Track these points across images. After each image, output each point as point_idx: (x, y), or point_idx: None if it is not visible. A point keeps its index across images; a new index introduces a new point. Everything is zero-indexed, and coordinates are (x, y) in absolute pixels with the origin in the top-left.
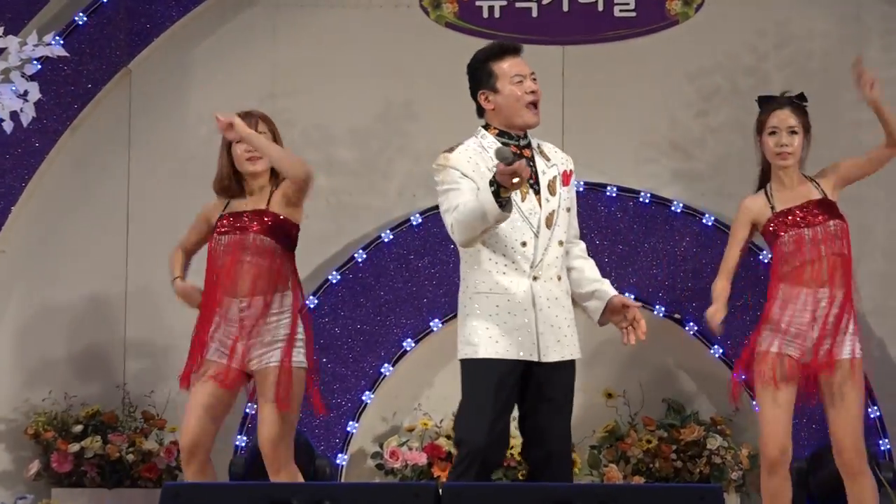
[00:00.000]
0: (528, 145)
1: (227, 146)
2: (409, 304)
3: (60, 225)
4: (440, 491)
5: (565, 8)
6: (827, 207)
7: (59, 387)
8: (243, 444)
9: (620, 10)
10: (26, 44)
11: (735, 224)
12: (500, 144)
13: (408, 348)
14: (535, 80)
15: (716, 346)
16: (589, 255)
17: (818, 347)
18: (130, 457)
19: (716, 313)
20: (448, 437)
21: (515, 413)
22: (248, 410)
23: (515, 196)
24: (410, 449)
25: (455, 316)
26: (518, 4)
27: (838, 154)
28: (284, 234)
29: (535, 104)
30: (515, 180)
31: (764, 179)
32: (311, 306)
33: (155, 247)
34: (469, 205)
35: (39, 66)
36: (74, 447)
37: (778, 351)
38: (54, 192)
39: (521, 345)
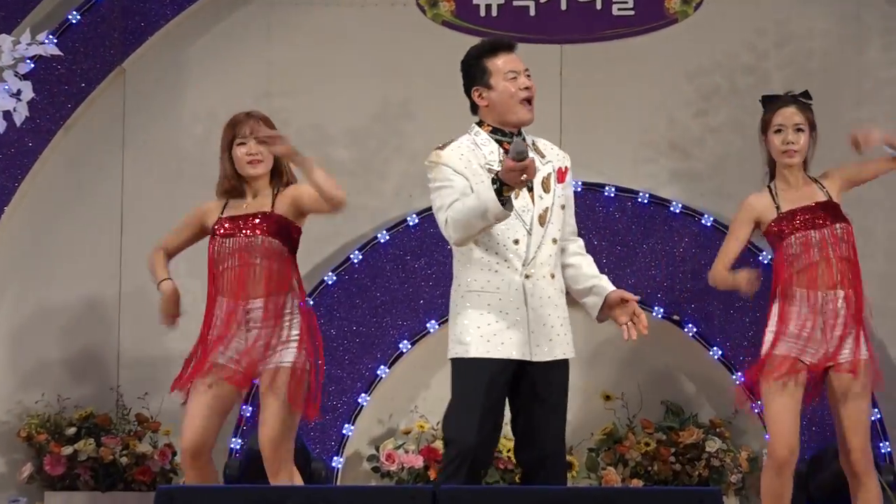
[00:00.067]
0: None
1: (228, 148)
2: (405, 305)
3: (54, 225)
4: (437, 494)
5: (563, 6)
6: (833, 209)
7: (52, 389)
8: (238, 447)
9: (619, 9)
10: (19, 42)
11: (736, 221)
12: (494, 141)
13: (404, 350)
14: (529, 76)
15: (715, 348)
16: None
17: (827, 349)
18: (124, 460)
19: (748, 277)
20: None
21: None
22: (243, 413)
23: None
24: (407, 452)
25: None
26: (516, 3)
27: (838, 153)
28: (290, 236)
29: (529, 100)
30: (523, 177)
31: (771, 178)
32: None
33: (149, 247)
34: (469, 202)
35: (33, 65)
36: (68, 450)
37: (787, 353)
38: (48, 192)
39: (512, 344)
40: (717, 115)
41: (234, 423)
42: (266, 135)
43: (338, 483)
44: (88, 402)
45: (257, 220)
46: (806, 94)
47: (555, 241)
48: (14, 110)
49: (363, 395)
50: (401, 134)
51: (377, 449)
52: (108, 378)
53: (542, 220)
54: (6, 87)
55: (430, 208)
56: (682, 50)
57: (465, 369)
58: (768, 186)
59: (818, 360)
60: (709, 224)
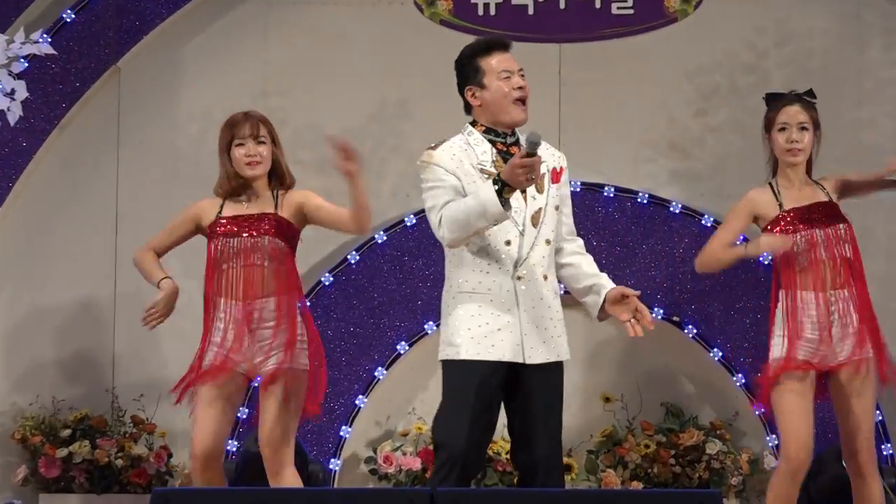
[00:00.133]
0: (517, 142)
1: (227, 149)
2: (402, 306)
3: (48, 225)
4: (434, 496)
5: (562, 5)
6: (834, 210)
7: (46, 390)
8: (234, 450)
9: (618, 8)
10: (13, 41)
11: (733, 212)
12: (487, 141)
13: (402, 351)
14: (523, 76)
15: (715, 349)
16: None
17: (833, 350)
18: (119, 462)
19: (774, 241)
20: None
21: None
22: (239, 415)
23: None
24: (404, 454)
25: None
26: (514, 1)
27: (839, 153)
28: (293, 238)
29: (522, 100)
30: (529, 176)
31: (773, 176)
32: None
33: None
34: (467, 202)
35: (27, 65)
36: (62, 452)
37: (795, 357)
38: (42, 192)
39: (504, 346)
40: (717, 115)
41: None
42: (342, 146)
43: (335, 485)
44: (83, 403)
45: (263, 222)
46: (810, 93)
47: (548, 242)
48: (8, 110)
49: (360, 396)
50: (398, 134)
51: (375, 451)
52: (103, 379)
53: (535, 220)
54: (0, 86)
55: None
56: (682, 49)
57: (455, 371)
58: (770, 183)
59: (824, 361)
60: (709, 224)
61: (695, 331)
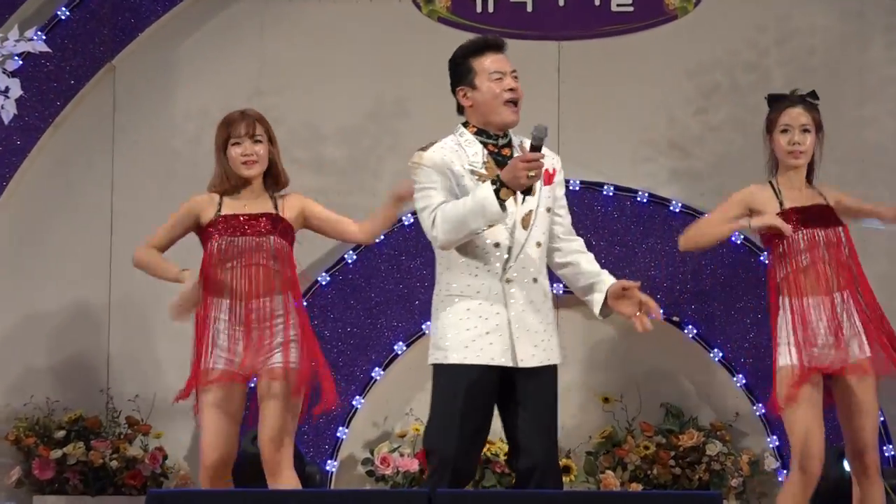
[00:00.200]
0: (509, 144)
1: (223, 147)
2: (400, 306)
3: (42, 224)
4: (432, 498)
5: (561, 2)
6: (832, 213)
7: (40, 391)
8: None
9: (617, 5)
10: (7, 39)
11: (730, 201)
12: (478, 143)
13: (399, 352)
14: (516, 78)
15: (715, 349)
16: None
17: (837, 353)
18: (114, 463)
19: (782, 223)
20: None
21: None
22: None
23: None
24: (402, 455)
25: None
26: None
27: (840, 152)
28: (291, 238)
29: (514, 102)
30: (532, 173)
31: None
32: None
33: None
34: (465, 202)
35: (21, 62)
36: (57, 453)
37: (803, 364)
38: (36, 190)
39: (493, 350)
40: (718, 113)
41: None
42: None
43: (332, 487)
44: (78, 404)
45: (265, 222)
46: (813, 94)
47: (539, 244)
48: (2, 108)
49: (357, 397)
50: (395, 132)
51: (372, 452)
52: (97, 380)
53: (526, 223)
54: None
55: None
56: (682, 47)
57: (443, 376)
58: (770, 182)
59: (830, 365)
60: None
61: (695, 331)
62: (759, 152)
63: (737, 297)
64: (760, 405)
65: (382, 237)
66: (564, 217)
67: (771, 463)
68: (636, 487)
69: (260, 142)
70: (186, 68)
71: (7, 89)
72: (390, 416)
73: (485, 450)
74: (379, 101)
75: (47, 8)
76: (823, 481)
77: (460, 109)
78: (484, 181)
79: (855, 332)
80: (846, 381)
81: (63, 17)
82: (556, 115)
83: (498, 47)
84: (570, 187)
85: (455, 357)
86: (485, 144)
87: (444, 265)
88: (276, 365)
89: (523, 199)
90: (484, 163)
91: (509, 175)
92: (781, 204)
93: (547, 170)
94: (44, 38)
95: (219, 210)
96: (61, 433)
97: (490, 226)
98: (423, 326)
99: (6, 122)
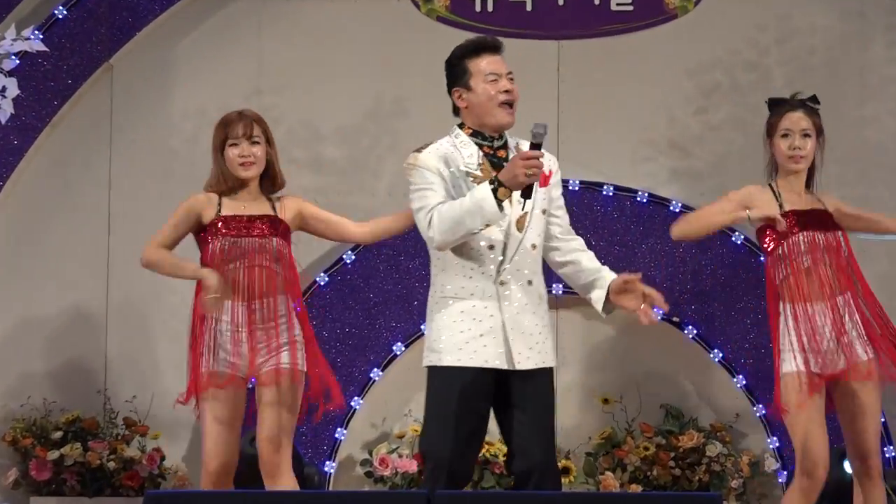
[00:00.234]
0: (504, 146)
1: (221, 148)
2: (399, 306)
3: (40, 225)
4: (431, 499)
5: (560, 1)
6: (831, 218)
7: (38, 392)
8: None
9: (617, 4)
10: (4, 38)
11: (726, 198)
12: (474, 144)
13: (398, 352)
14: (511, 79)
15: (716, 350)
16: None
17: (838, 357)
18: (112, 464)
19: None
20: None
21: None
22: None
23: None
24: (401, 456)
25: None
26: None
27: (841, 152)
28: (290, 239)
29: (509, 104)
30: (530, 172)
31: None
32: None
33: (138, 248)
34: (463, 202)
35: (18, 62)
36: (54, 454)
37: (805, 370)
38: (33, 190)
39: (487, 352)
40: (718, 113)
41: None
42: None
43: (330, 488)
44: (75, 405)
45: (267, 223)
46: (814, 99)
47: (534, 246)
48: None
49: (356, 398)
50: (394, 132)
51: (370, 453)
52: (95, 381)
53: (520, 225)
54: None
55: None
56: (682, 46)
57: (437, 378)
58: (770, 185)
59: (831, 369)
60: None
61: (695, 331)
62: (759, 152)
63: (737, 297)
64: (761, 406)
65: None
66: (562, 217)
67: (771, 464)
68: (636, 489)
69: (257, 143)
70: (184, 67)
71: (4, 89)
72: (389, 416)
73: (484, 451)
74: (378, 101)
75: (44, 7)
76: (826, 486)
77: (456, 111)
78: (479, 183)
79: (857, 336)
80: (849, 385)
81: (60, 17)
82: (556, 115)
83: (494, 48)
84: (570, 187)
85: (449, 359)
86: (480, 146)
87: (439, 267)
88: (275, 366)
89: (523, 204)
90: (479, 165)
91: (508, 174)
92: (781, 206)
93: (543, 171)
94: (41, 37)
95: (219, 210)
96: (58, 434)
97: (487, 225)
98: (422, 327)
99: (3, 121)
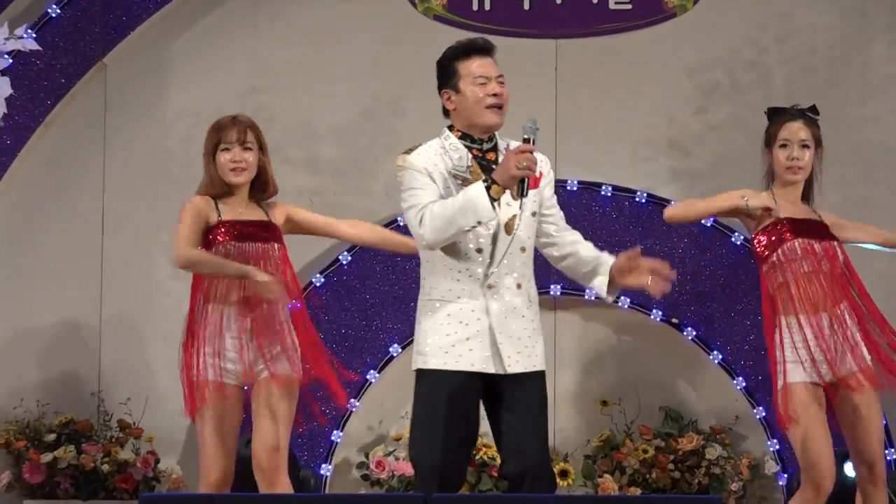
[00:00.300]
0: (494, 148)
1: (213, 152)
2: (395, 307)
3: (33, 225)
4: (428, 503)
5: (558, 0)
6: (827, 229)
7: (31, 394)
8: None
9: (616, 3)
10: None
11: (725, 195)
12: (463, 147)
13: (394, 354)
14: (501, 83)
15: (715, 352)
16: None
17: (838, 366)
18: (106, 467)
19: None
20: None
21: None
22: None
23: None
24: (397, 459)
25: None
26: None
27: (841, 153)
28: (285, 244)
29: (498, 107)
30: (523, 164)
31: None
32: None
33: (132, 249)
34: (455, 199)
35: (10, 61)
36: (47, 457)
37: (806, 381)
38: (27, 190)
39: (473, 356)
40: (718, 112)
41: None
42: None
43: (326, 491)
44: (69, 407)
45: (266, 229)
46: (813, 109)
47: (523, 249)
48: None
49: (352, 400)
50: (391, 131)
51: (367, 456)
52: (89, 383)
53: (509, 228)
54: None
55: None
56: (682, 45)
57: (424, 382)
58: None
59: (831, 378)
60: (709, 224)
61: (694, 333)
62: (759, 152)
63: (737, 298)
64: (761, 408)
65: None
66: (556, 214)
67: (771, 467)
68: (635, 492)
69: (250, 149)
70: (179, 67)
71: None
72: (385, 419)
73: (482, 454)
74: (374, 100)
75: (37, 6)
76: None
77: (446, 112)
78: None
79: (856, 344)
80: (849, 393)
81: (54, 15)
82: (554, 115)
83: (485, 51)
84: (568, 188)
85: (434, 363)
86: (469, 149)
87: (428, 269)
88: (272, 374)
89: (520, 203)
90: (468, 167)
91: (501, 170)
92: (778, 213)
93: (533, 175)
94: (34, 36)
95: (219, 215)
96: (52, 437)
97: (479, 222)
98: None
99: None
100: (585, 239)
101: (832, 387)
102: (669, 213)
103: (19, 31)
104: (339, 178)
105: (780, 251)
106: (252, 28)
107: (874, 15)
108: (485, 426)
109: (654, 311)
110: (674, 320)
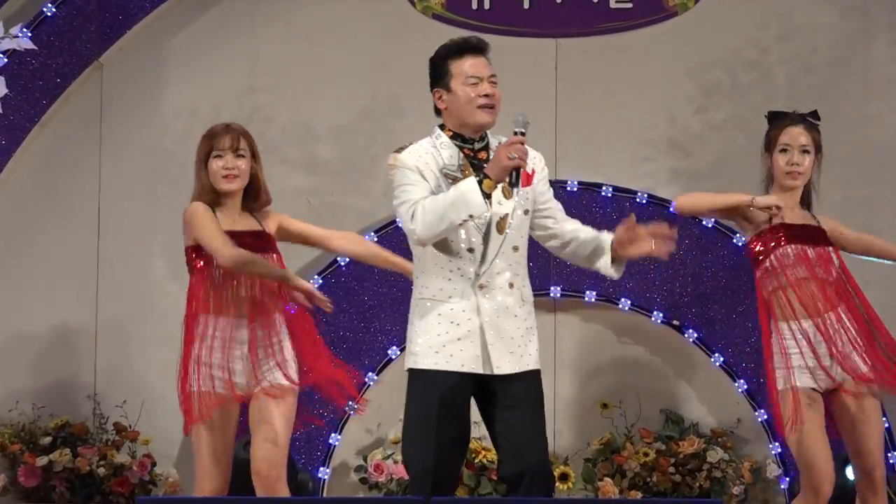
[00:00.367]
0: (486, 147)
1: (205, 160)
2: (394, 309)
3: (29, 226)
4: None
5: None
6: (824, 235)
7: (26, 397)
8: None
9: (616, 2)
10: None
11: (730, 193)
12: (454, 146)
13: (393, 356)
14: (494, 83)
15: (716, 354)
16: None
17: (835, 372)
18: (101, 470)
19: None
20: None
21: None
22: None
23: None
24: (396, 462)
25: None
26: None
27: (843, 152)
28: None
29: (489, 107)
30: (514, 155)
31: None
32: (291, 313)
33: (128, 249)
34: (447, 193)
35: (6, 60)
36: (42, 460)
37: (804, 386)
38: (22, 191)
39: (464, 356)
40: (719, 112)
41: None
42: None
43: (324, 495)
44: (64, 410)
45: (261, 239)
46: (814, 115)
47: (516, 248)
48: None
49: (350, 402)
50: (389, 131)
51: (365, 459)
52: (84, 385)
53: (501, 227)
54: None
55: None
56: (682, 44)
57: (414, 382)
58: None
59: (828, 384)
60: (710, 225)
61: (695, 335)
62: (760, 152)
63: (738, 300)
64: (762, 411)
65: (376, 238)
66: (553, 206)
67: (773, 470)
68: (635, 495)
69: (243, 156)
70: (176, 66)
71: None
72: (384, 422)
73: (481, 457)
74: (373, 100)
75: (33, 4)
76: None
77: (438, 111)
78: None
79: (853, 349)
80: (848, 399)
81: (49, 14)
82: (554, 115)
83: (479, 50)
84: (568, 188)
85: (424, 362)
86: (461, 148)
87: (420, 268)
88: (270, 384)
89: (500, 202)
90: (460, 166)
91: (492, 163)
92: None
93: (525, 171)
94: (29, 35)
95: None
96: (47, 440)
97: (471, 216)
98: None
99: None
100: None
101: (831, 392)
102: (680, 202)
103: (14, 30)
104: (338, 179)
105: (773, 256)
106: (249, 27)
107: (875, 14)
108: (485, 429)
109: (655, 312)
110: (675, 322)
